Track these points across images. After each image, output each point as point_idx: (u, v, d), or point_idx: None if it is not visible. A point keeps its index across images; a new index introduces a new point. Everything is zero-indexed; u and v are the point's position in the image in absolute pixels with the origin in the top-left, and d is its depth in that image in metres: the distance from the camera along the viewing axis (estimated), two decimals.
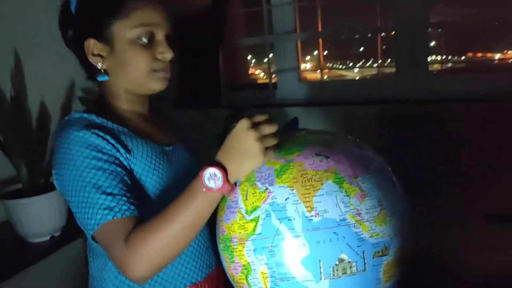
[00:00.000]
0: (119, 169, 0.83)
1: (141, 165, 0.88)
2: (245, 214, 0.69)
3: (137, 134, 0.92)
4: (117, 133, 0.88)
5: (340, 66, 2.65)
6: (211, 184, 0.73)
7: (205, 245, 0.97)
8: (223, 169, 0.73)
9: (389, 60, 2.14)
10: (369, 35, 2.15)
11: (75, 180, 0.81)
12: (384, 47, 2.13)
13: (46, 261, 1.47)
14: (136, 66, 0.90)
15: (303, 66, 2.29)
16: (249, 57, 2.63)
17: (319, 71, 2.20)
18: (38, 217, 1.46)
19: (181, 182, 0.83)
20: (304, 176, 0.67)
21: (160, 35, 0.91)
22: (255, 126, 0.74)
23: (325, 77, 2.24)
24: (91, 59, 0.91)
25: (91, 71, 0.94)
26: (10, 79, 1.55)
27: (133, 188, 0.84)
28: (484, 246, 1.73)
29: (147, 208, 0.84)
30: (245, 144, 0.73)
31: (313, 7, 2.12)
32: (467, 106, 1.75)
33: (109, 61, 0.91)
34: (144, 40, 0.89)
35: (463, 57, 2.27)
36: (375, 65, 2.13)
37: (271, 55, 2.22)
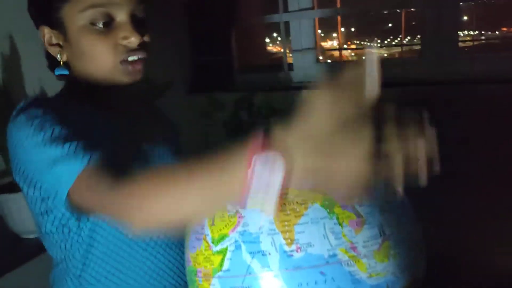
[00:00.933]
0: (86, 126, 0.71)
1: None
2: (211, 244, 0.56)
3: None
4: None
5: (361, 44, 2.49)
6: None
7: (182, 263, 0.82)
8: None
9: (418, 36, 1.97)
10: (386, 11, 1.97)
11: (32, 154, 0.68)
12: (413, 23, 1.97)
13: (41, 257, 1.40)
14: (95, 58, 0.75)
15: (329, 43, 2.14)
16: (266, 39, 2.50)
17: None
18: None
19: None
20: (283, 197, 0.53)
21: (121, 16, 0.74)
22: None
23: (353, 54, 2.08)
24: (50, 50, 0.78)
25: (53, 63, 0.80)
26: (1, 66, 1.46)
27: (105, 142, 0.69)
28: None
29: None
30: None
31: None
32: (502, 88, 1.58)
33: (67, 51, 0.77)
34: (99, 25, 0.73)
35: (496, 32, 2.07)
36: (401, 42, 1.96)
37: (285, 35, 2.07)
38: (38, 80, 1.61)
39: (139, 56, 0.76)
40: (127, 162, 0.67)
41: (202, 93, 1.99)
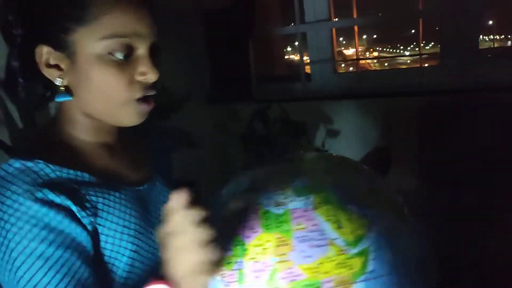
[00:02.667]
0: (68, 256, 0.61)
1: (108, 224, 0.67)
2: (346, 247, 0.54)
3: (101, 177, 0.70)
4: (74, 185, 0.65)
5: (379, 54, 2.47)
6: None
7: None
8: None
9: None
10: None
11: (10, 271, 0.60)
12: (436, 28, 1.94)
13: None
14: (106, 92, 0.66)
15: (351, 51, 2.14)
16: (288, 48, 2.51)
17: (368, 58, 2.04)
18: None
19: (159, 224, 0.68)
20: None
21: (141, 49, 0.67)
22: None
23: (375, 61, 2.08)
24: (46, 72, 0.67)
25: (45, 88, 0.70)
26: None
27: (87, 272, 0.63)
28: None
29: (121, 268, 0.68)
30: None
31: None
32: None
33: (69, 76, 0.67)
34: (119, 56, 0.65)
35: None
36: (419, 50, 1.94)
37: (302, 46, 2.08)
38: None
39: (151, 94, 0.70)
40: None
41: (220, 104, 2.01)
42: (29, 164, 0.64)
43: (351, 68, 2.26)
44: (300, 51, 2.05)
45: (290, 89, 2.10)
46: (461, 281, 1.56)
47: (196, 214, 0.53)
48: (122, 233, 0.68)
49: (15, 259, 0.60)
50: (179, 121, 1.65)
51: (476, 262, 1.62)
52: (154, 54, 0.69)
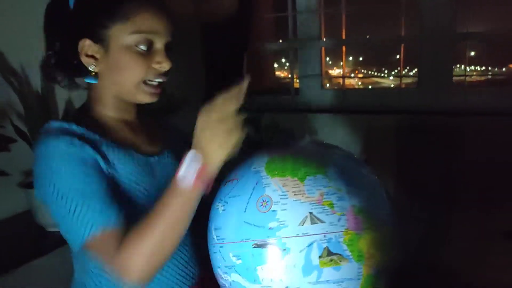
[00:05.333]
0: (103, 179, 0.81)
1: (122, 179, 0.84)
2: None
3: (120, 144, 0.87)
4: (98, 144, 0.83)
5: (362, 74, 2.64)
6: (189, 173, 0.74)
7: (187, 256, 0.95)
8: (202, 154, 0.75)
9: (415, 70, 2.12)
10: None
11: (60, 192, 0.78)
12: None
13: (62, 249, 1.52)
14: (129, 74, 0.85)
15: (336, 71, 2.28)
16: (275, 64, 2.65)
17: (357, 76, 2.20)
18: None
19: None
20: None
21: (159, 44, 0.86)
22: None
23: (360, 83, 2.24)
24: (84, 60, 0.85)
25: (78, 72, 0.87)
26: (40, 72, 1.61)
27: (118, 197, 0.82)
28: (503, 263, 1.69)
29: (131, 219, 0.81)
30: (212, 128, 0.75)
31: (338, 14, 2.12)
32: (491, 121, 1.72)
33: (101, 64, 0.85)
34: (142, 47, 0.84)
35: (503, 69, 2.22)
36: (399, 72, 2.11)
37: (293, 61, 2.23)
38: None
39: (161, 80, 0.87)
40: (132, 211, 0.82)
41: None
42: (65, 125, 0.83)
43: (335, 88, 2.41)
44: (291, 66, 2.20)
45: (280, 101, 2.24)
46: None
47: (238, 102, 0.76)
48: (129, 190, 0.85)
49: (59, 184, 0.78)
50: (176, 122, 1.77)
51: (442, 266, 1.76)
52: (169, 50, 0.88)
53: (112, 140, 0.86)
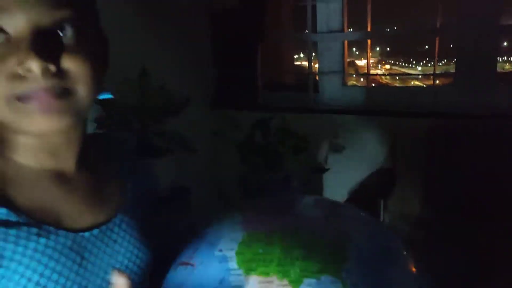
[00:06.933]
0: None
1: (16, 278, 0.51)
2: None
3: (30, 216, 0.54)
4: None
5: (390, 65, 2.43)
6: None
7: None
8: None
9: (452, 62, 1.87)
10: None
11: None
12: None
13: None
14: None
15: (364, 62, 2.09)
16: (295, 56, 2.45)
17: (381, 71, 1.97)
18: None
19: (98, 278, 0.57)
20: None
21: (14, 29, 0.50)
22: None
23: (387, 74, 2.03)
24: None
25: None
26: None
27: None
28: None
29: None
30: None
31: (362, 2, 1.88)
32: None
33: None
34: None
35: None
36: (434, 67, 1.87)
37: (312, 55, 2.01)
38: None
39: (46, 86, 0.51)
40: None
41: (223, 110, 1.95)
42: None
43: (362, 79, 2.19)
44: (310, 61, 1.98)
45: (297, 99, 2.03)
46: None
47: None
48: (32, 282, 0.52)
49: None
50: (178, 124, 1.58)
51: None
52: (47, 36, 0.50)
53: (16, 209, 0.54)
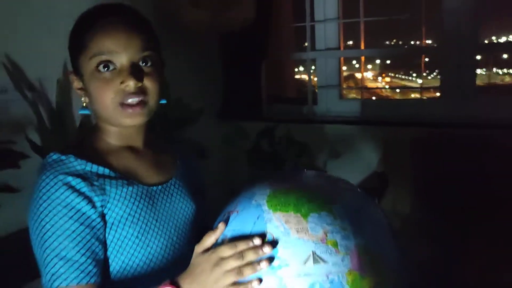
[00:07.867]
0: (83, 229, 0.79)
1: (117, 210, 0.82)
2: None
3: (121, 174, 0.86)
4: (95, 176, 0.82)
5: (383, 84, 2.59)
6: None
7: None
8: None
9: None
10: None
11: (38, 235, 0.78)
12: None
13: None
14: (100, 99, 0.84)
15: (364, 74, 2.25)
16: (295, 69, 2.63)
17: (381, 82, 2.16)
18: None
19: (164, 224, 0.86)
20: None
21: (120, 63, 0.83)
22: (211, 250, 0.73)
23: (387, 86, 2.20)
24: (77, 93, 0.91)
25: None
26: (57, 87, 1.61)
27: (99, 247, 0.80)
28: None
29: (124, 255, 0.83)
30: (201, 270, 0.72)
31: (356, 24, 2.08)
32: None
33: (86, 94, 0.88)
34: (102, 69, 0.83)
35: None
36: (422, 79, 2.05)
37: (311, 70, 2.20)
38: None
39: (137, 99, 0.83)
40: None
41: (230, 120, 2.13)
42: (63, 157, 0.83)
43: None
44: (309, 76, 2.17)
45: (298, 110, 2.21)
46: None
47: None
48: (124, 223, 0.83)
49: (44, 229, 0.78)
50: (192, 133, 1.76)
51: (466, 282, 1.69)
52: (136, 67, 0.84)
53: (112, 169, 0.86)
